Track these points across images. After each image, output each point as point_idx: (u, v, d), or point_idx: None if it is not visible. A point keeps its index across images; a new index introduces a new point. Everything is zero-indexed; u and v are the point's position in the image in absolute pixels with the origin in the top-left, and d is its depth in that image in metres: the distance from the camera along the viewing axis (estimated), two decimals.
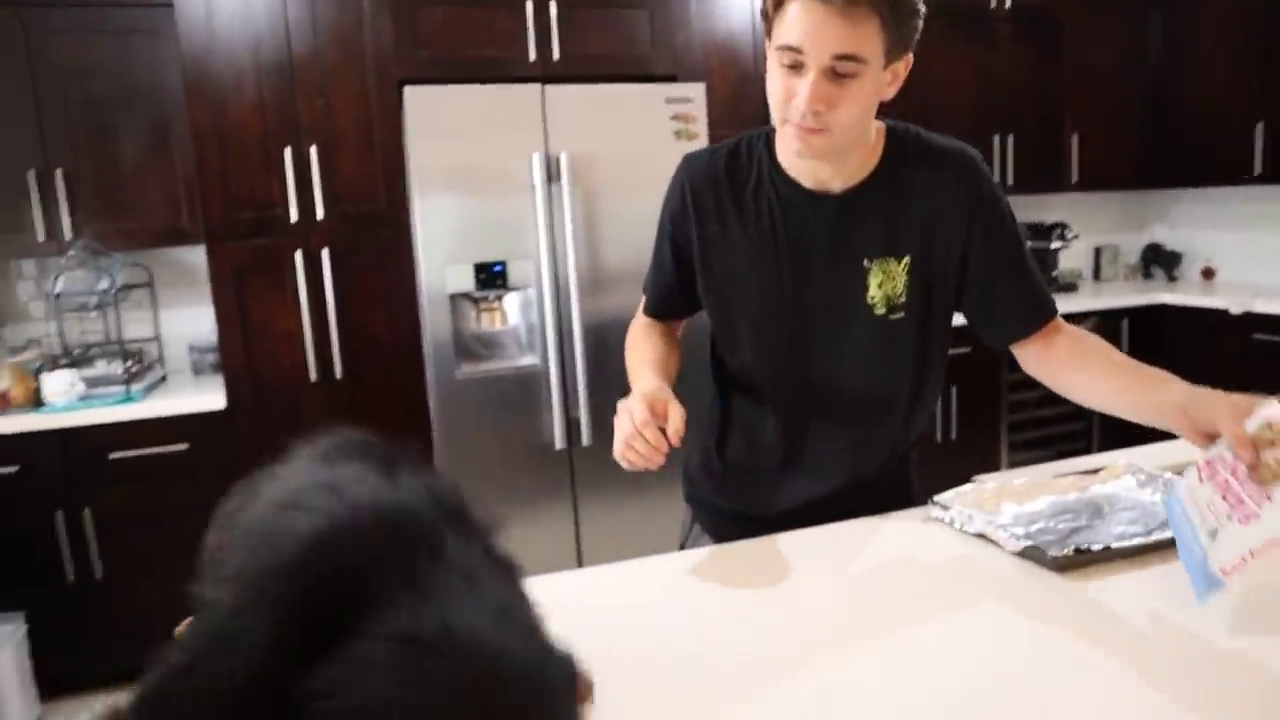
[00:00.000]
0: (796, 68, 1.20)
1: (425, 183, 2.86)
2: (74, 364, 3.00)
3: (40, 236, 3.02)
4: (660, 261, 1.52)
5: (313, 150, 2.95)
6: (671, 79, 3.21)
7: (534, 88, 2.92)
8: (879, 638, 1.05)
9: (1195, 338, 4.05)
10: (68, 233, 3.04)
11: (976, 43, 4.09)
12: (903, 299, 1.37)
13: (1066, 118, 4.31)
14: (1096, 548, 1.21)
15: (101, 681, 2.92)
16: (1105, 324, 4.10)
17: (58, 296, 2.98)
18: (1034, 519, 1.38)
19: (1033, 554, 1.22)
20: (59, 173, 3.02)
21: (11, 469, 2.78)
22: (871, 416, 1.45)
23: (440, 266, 2.90)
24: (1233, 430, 1.04)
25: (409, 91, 2.83)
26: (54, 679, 2.89)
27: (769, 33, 1.24)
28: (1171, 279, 4.73)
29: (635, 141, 2.96)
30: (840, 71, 1.18)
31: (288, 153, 2.93)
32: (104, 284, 2.98)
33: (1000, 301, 1.41)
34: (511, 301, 3.04)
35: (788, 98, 1.22)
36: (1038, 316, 1.42)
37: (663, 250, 1.50)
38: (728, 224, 1.40)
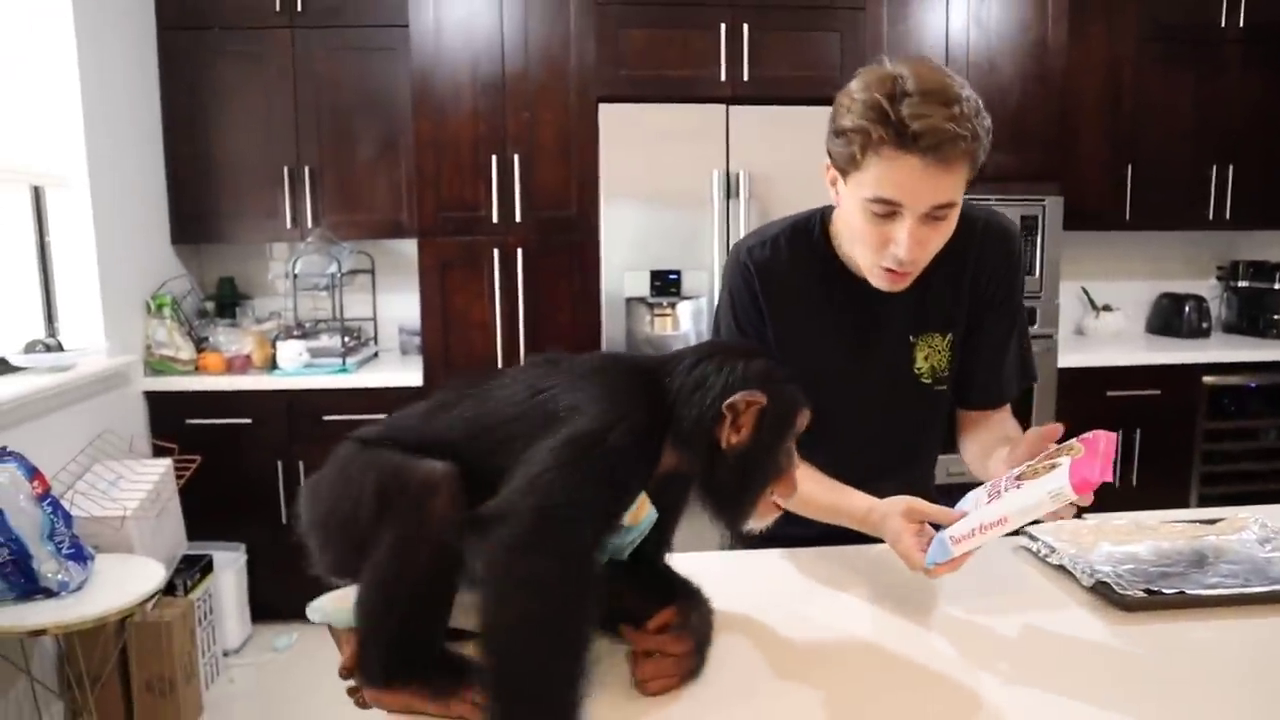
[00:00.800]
0: (889, 216, 1.19)
1: (613, 192, 3.10)
2: (304, 336, 3.48)
3: (288, 224, 3.52)
4: None
5: (515, 159, 3.26)
6: None
7: (719, 108, 3.09)
8: (906, 647, 1.13)
9: None
10: (309, 221, 3.52)
11: (1199, 65, 3.85)
12: (946, 372, 1.46)
13: None
14: (1169, 591, 1.22)
15: (299, 612, 3.35)
16: None
17: (295, 276, 3.45)
18: (1127, 560, 1.40)
19: (1102, 590, 1.25)
20: (306, 169, 3.51)
21: (246, 420, 3.27)
22: (909, 466, 1.56)
23: (619, 271, 3.13)
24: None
25: (604, 109, 3.08)
26: (263, 606, 3.36)
27: (842, 172, 1.23)
28: None
29: (812, 162, 3.03)
30: (936, 216, 1.19)
31: (494, 160, 3.25)
32: (332, 268, 3.42)
33: (975, 370, 1.48)
34: (684, 309, 3.23)
35: (881, 244, 1.22)
36: (996, 397, 1.50)
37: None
38: (795, 316, 1.45)
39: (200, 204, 3.55)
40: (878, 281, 1.30)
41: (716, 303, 1.53)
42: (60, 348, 2.86)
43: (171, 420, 3.28)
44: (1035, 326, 3.50)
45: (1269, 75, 3.90)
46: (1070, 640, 1.15)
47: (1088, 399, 3.61)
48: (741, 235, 3.09)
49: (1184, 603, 1.22)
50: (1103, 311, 4.13)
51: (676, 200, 3.12)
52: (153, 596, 2.39)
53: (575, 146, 3.27)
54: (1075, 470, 1.03)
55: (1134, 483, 3.69)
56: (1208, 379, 3.71)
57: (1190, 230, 4.08)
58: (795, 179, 3.09)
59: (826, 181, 1.30)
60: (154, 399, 3.30)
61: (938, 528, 1.17)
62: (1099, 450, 1.07)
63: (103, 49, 3.10)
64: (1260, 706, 0.99)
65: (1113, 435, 1.13)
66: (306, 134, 3.51)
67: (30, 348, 2.82)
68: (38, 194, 3.03)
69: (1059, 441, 1.19)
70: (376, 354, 3.77)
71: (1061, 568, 1.35)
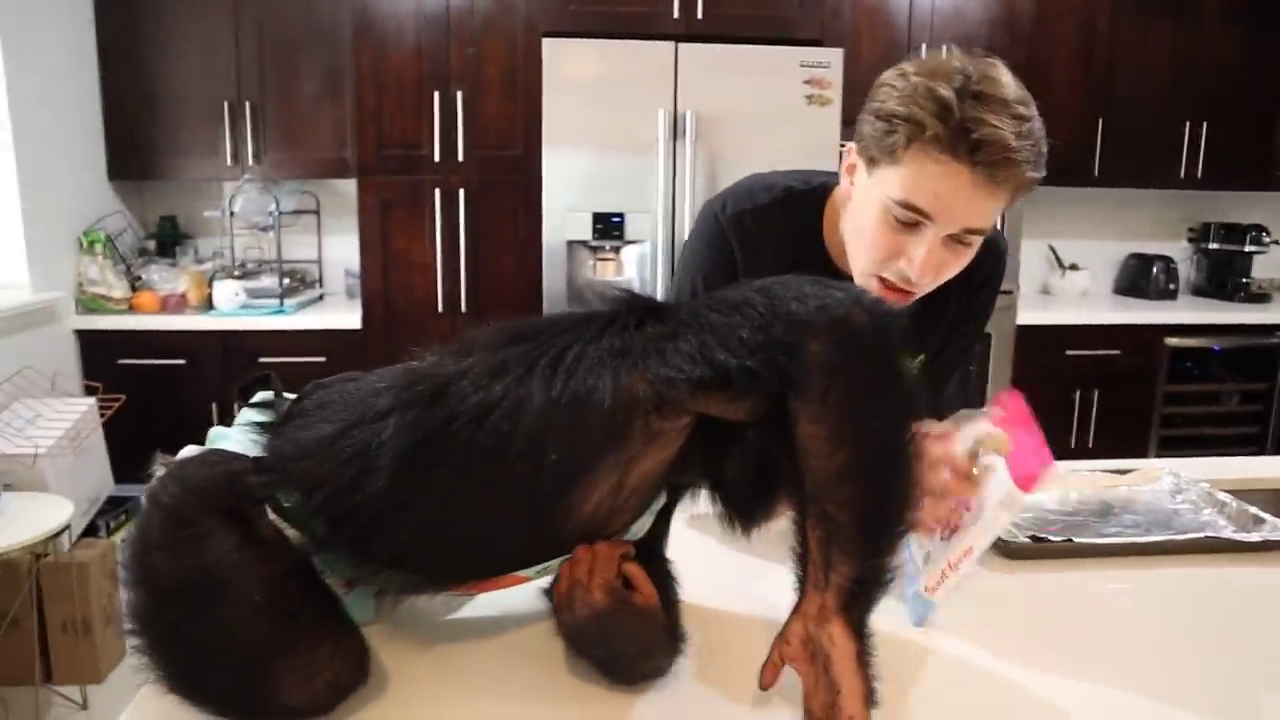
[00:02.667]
0: (912, 226, 1.03)
1: (555, 132, 2.99)
2: (244, 276, 3.37)
3: (228, 161, 3.40)
4: None
5: (459, 96, 3.14)
6: (816, 43, 3.15)
7: (667, 45, 2.97)
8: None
9: None
10: (250, 159, 3.40)
11: (1178, 14, 3.71)
12: None
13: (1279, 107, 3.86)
14: (1057, 539, 1.15)
15: None
16: None
17: (231, 215, 3.34)
18: (1029, 509, 1.33)
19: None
20: (248, 104, 3.38)
21: (180, 360, 3.18)
22: None
23: (561, 213, 3.03)
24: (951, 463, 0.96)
25: (546, 43, 2.95)
26: None
27: (872, 161, 1.05)
28: None
29: (764, 104, 2.95)
30: (962, 241, 1.04)
31: (436, 97, 3.13)
32: (271, 207, 3.31)
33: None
34: (629, 254, 3.13)
35: (890, 255, 1.06)
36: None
37: None
38: None
39: (138, 139, 3.42)
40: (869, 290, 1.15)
41: (681, 259, 1.36)
42: None
43: (103, 360, 3.18)
44: None
45: (1250, 28, 3.78)
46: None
47: (1045, 357, 3.54)
48: (688, 178, 3.02)
49: (1071, 551, 1.15)
50: (1069, 270, 4.05)
51: (621, 141, 3.00)
52: (60, 534, 2.32)
53: (521, 84, 3.15)
54: (1015, 467, 0.93)
55: (1089, 444, 3.63)
56: (1170, 340, 3.64)
57: (1162, 189, 3.98)
58: (746, 120, 2.97)
59: (842, 166, 1.13)
60: (85, 338, 3.20)
61: None
62: (1022, 426, 0.97)
63: None
64: (1134, 655, 0.93)
65: (1017, 394, 1.01)
66: (248, 67, 3.38)
67: None
68: None
69: None
70: (322, 296, 3.67)
71: None
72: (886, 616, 0.76)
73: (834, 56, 3.01)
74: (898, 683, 0.85)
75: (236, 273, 3.38)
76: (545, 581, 0.90)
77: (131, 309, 3.27)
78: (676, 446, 0.79)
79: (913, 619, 0.96)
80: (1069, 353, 3.57)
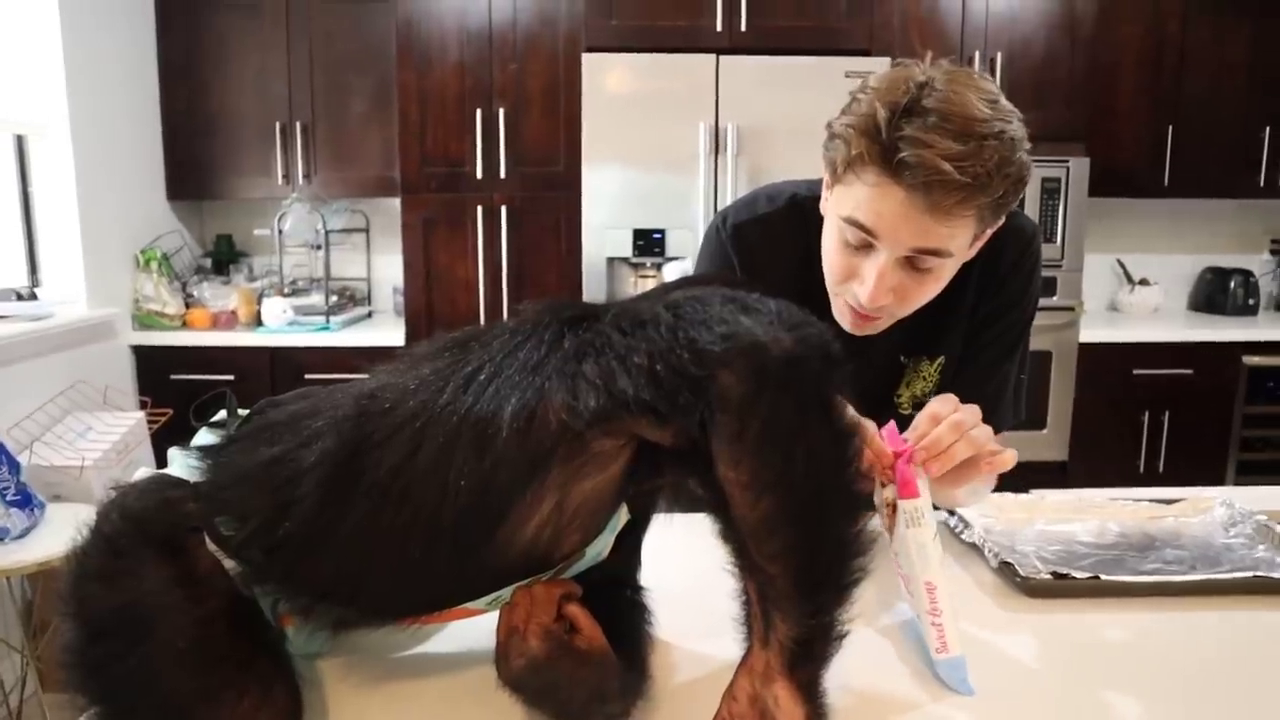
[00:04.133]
0: (864, 247, 1.00)
1: (595, 148, 2.95)
2: (293, 294, 3.42)
3: (279, 180, 3.46)
4: None
5: (501, 113, 3.13)
6: (864, 54, 3.07)
7: (709, 58, 2.91)
8: None
9: None
10: (300, 179, 3.45)
11: (1257, 12, 3.50)
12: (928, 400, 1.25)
13: None
14: (1082, 576, 1.05)
15: None
16: None
17: (280, 233, 3.39)
18: (1058, 541, 1.23)
19: (1007, 572, 1.09)
20: (299, 125, 3.43)
21: (229, 376, 3.23)
22: None
23: (601, 230, 2.99)
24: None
25: (586, 59, 2.93)
26: None
27: (829, 183, 1.04)
28: None
29: (808, 117, 2.83)
30: (917, 264, 0.99)
31: (478, 114, 3.13)
32: (319, 225, 3.35)
33: (957, 390, 1.24)
34: (670, 271, 3.07)
35: (846, 276, 1.03)
36: None
37: None
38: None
39: (196, 159, 3.51)
40: (838, 315, 1.10)
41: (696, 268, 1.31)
42: (34, 297, 2.84)
43: (157, 375, 3.25)
44: (1055, 297, 3.26)
45: None
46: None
47: (1110, 377, 3.36)
48: (729, 192, 2.95)
49: (1096, 590, 1.05)
50: (1139, 285, 3.85)
51: (663, 156, 2.95)
52: None
53: (564, 100, 3.13)
54: (897, 480, 0.87)
55: (1159, 470, 3.43)
56: (1249, 359, 3.43)
57: (1240, 199, 3.76)
58: (789, 133, 2.90)
59: (824, 181, 1.09)
60: (140, 353, 3.28)
61: None
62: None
63: None
64: (1158, 708, 0.83)
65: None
66: (300, 88, 3.43)
67: (4, 296, 2.81)
68: (21, 143, 3.01)
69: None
70: (371, 314, 3.70)
71: (974, 545, 1.19)
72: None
73: (880, 66, 2.91)
74: None
75: (286, 291, 3.43)
76: None
77: (185, 325, 3.34)
78: (622, 463, 0.72)
79: (958, 689, 0.85)
80: (1137, 372, 3.39)
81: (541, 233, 3.22)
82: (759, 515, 0.62)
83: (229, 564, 0.78)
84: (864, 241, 0.99)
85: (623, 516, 0.80)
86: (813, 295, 1.15)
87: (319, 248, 3.52)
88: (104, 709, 0.72)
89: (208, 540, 0.78)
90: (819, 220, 1.14)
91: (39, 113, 2.97)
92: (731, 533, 0.65)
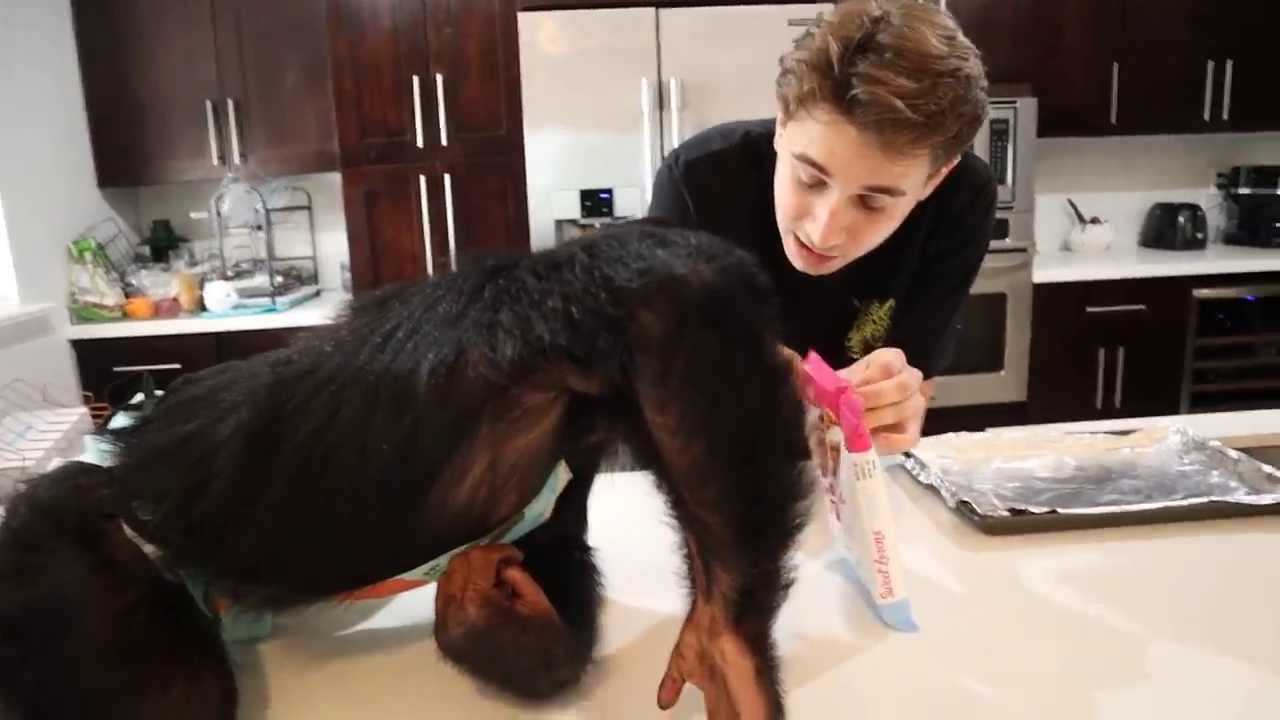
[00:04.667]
0: (816, 185, 0.98)
1: (537, 109, 2.89)
2: (237, 276, 3.32)
3: (214, 161, 3.35)
4: None
5: (439, 78, 3.05)
6: (808, 1, 3.02)
7: (648, 11, 2.85)
8: None
9: None
10: (237, 158, 3.34)
11: None
12: (879, 344, 1.22)
13: None
14: (1040, 510, 1.04)
15: None
16: None
17: (219, 215, 3.29)
18: (1016, 477, 1.21)
19: (965, 511, 1.07)
20: (230, 102, 3.32)
21: (176, 365, 3.13)
22: None
23: (547, 193, 2.93)
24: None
25: (522, 18, 2.85)
26: None
27: (782, 119, 1.01)
28: None
29: (752, 66, 2.79)
30: (870, 203, 0.98)
31: (415, 81, 3.04)
32: (258, 205, 3.26)
33: (903, 330, 1.22)
34: None
35: (799, 214, 1.02)
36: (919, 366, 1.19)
37: None
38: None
39: (126, 145, 3.38)
40: (790, 254, 1.07)
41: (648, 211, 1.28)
42: None
43: (99, 368, 3.15)
44: (1008, 239, 3.26)
45: None
46: (919, 565, 0.97)
47: (1065, 316, 3.38)
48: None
49: (1055, 523, 1.04)
50: (1090, 224, 3.87)
51: (605, 114, 2.89)
52: None
53: (502, 63, 3.05)
54: (846, 431, 0.82)
55: (1117, 404, 3.47)
56: (1200, 292, 3.46)
57: (1186, 134, 3.78)
58: (735, 85, 2.85)
59: (778, 118, 1.06)
60: (80, 347, 3.17)
61: None
62: (827, 380, 0.84)
63: None
64: (1125, 636, 0.81)
65: (813, 352, 0.87)
66: (228, 65, 3.31)
67: None
68: None
69: None
70: (319, 292, 3.62)
71: (931, 487, 1.17)
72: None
73: (823, 10, 2.86)
74: (865, 681, 0.75)
75: (229, 274, 3.33)
76: None
77: (125, 316, 3.24)
78: (555, 417, 0.68)
79: (903, 628, 0.83)
80: (1091, 309, 3.41)
81: (487, 199, 3.15)
82: (690, 460, 0.58)
83: (149, 549, 0.74)
84: (816, 179, 0.97)
85: (563, 475, 0.76)
86: (769, 233, 1.13)
87: (260, 228, 3.42)
88: (21, 713, 0.68)
89: (125, 526, 0.74)
90: (774, 157, 1.11)
91: None
92: (666, 482, 0.62)
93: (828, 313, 1.22)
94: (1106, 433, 1.33)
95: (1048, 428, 1.38)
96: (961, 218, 1.17)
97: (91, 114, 3.34)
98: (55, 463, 0.82)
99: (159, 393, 0.85)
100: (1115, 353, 3.44)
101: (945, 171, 1.03)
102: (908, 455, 1.24)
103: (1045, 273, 3.36)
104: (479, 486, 0.70)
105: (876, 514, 0.82)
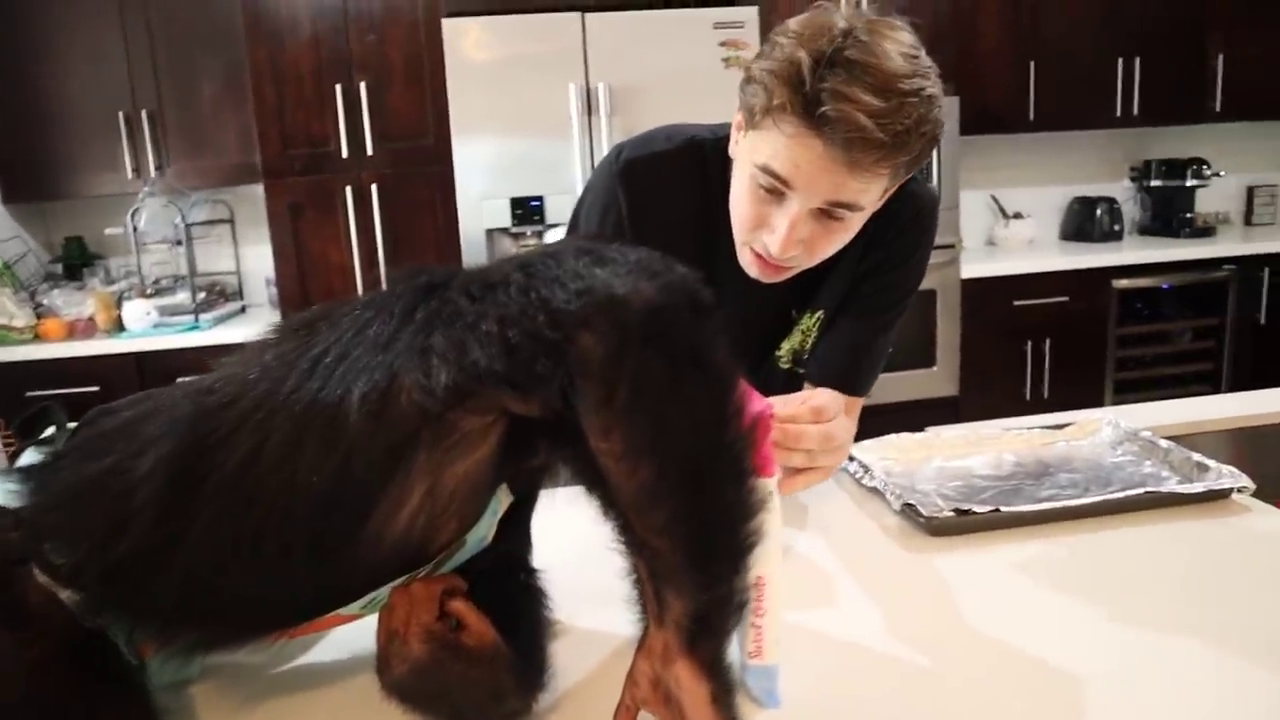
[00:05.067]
0: (776, 195, 0.97)
1: (464, 117, 2.85)
2: (157, 294, 3.20)
3: (129, 175, 3.22)
4: None
5: (363, 86, 2.98)
6: (730, 3, 3.03)
7: (573, 16, 2.83)
8: None
9: None
10: (152, 171, 3.22)
11: None
12: (807, 355, 1.21)
13: (1210, 36, 3.77)
14: (983, 510, 1.05)
15: None
16: (1244, 273, 3.63)
17: (135, 230, 3.17)
18: (957, 476, 1.23)
19: (910, 513, 1.07)
20: (144, 113, 3.19)
21: (94, 388, 3.01)
22: None
23: (477, 201, 2.89)
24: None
25: (446, 24, 2.80)
26: None
27: (745, 122, 0.99)
28: None
29: (680, 70, 2.82)
30: (829, 216, 0.97)
31: (338, 89, 2.97)
32: (178, 219, 3.14)
33: (826, 339, 1.20)
34: (551, 239, 3.00)
35: (756, 225, 1.01)
36: (836, 375, 1.17)
37: None
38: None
39: (33, 159, 3.22)
40: (745, 264, 1.06)
41: (576, 205, 1.23)
42: None
43: (10, 393, 3.00)
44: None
45: None
46: (868, 570, 0.97)
47: (993, 310, 3.46)
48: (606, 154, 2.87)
49: (999, 522, 1.05)
50: (1013, 219, 3.96)
51: (534, 121, 2.86)
52: None
53: (428, 70, 3.00)
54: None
55: (1045, 396, 3.56)
56: (1119, 282, 3.57)
57: (1100, 129, 3.90)
58: (663, 90, 2.84)
59: (734, 123, 1.04)
60: None
61: None
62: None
63: None
64: (1075, 630, 0.82)
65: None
66: (141, 74, 3.19)
67: None
68: None
69: None
70: (244, 308, 3.51)
71: (876, 490, 1.17)
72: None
73: (748, 15, 2.88)
74: (818, 692, 0.74)
75: (148, 291, 3.21)
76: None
77: (38, 338, 3.09)
78: (494, 441, 0.66)
79: (764, 701, 0.73)
80: (1017, 303, 3.49)
81: (415, 209, 3.09)
82: (636, 485, 0.56)
83: (65, 595, 0.69)
84: (775, 189, 0.97)
85: (504, 499, 0.74)
86: (709, 239, 1.12)
87: (180, 243, 3.30)
88: None
89: (36, 571, 0.69)
90: (720, 163, 1.10)
91: None
92: (612, 508, 0.60)
93: (765, 322, 1.21)
94: (1042, 428, 1.36)
95: (985, 424, 1.40)
96: (902, 234, 1.16)
97: None
98: None
99: (72, 425, 0.80)
100: (1042, 344, 3.53)
101: (896, 187, 1.03)
102: (851, 459, 1.24)
103: (972, 268, 3.43)
104: (417, 515, 0.67)
105: (766, 557, 0.70)
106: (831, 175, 0.92)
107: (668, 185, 1.14)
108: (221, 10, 3.15)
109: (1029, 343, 3.53)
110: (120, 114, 3.18)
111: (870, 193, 0.96)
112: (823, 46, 0.89)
